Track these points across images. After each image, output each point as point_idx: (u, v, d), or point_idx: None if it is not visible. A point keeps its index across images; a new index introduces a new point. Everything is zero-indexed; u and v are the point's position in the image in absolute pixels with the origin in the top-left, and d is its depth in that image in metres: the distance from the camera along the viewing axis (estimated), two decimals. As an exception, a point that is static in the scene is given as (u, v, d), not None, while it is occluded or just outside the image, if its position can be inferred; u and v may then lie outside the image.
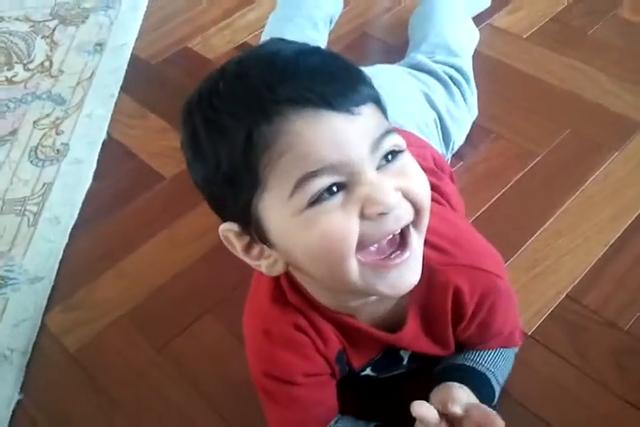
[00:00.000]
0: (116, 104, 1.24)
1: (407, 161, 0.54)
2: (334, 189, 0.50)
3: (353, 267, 0.52)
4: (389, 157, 0.52)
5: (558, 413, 0.78)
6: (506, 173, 1.04)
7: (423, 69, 1.04)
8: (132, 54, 1.35)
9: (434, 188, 0.78)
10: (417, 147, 0.85)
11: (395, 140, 0.52)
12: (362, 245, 0.51)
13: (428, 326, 0.68)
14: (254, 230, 0.54)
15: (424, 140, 0.91)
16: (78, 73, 1.30)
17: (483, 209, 1.00)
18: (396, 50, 1.27)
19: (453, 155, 1.05)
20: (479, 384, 0.69)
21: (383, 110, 0.54)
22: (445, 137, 0.98)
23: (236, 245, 0.56)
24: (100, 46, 1.36)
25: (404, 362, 0.74)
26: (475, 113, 1.08)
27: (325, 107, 0.48)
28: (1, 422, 0.82)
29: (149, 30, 1.41)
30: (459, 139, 1.03)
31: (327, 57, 0.53)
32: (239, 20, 1.38)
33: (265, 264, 0.57)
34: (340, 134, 0.49)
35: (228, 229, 0.56)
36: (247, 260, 0.58)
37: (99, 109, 1.22)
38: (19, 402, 0.85)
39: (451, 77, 1.04)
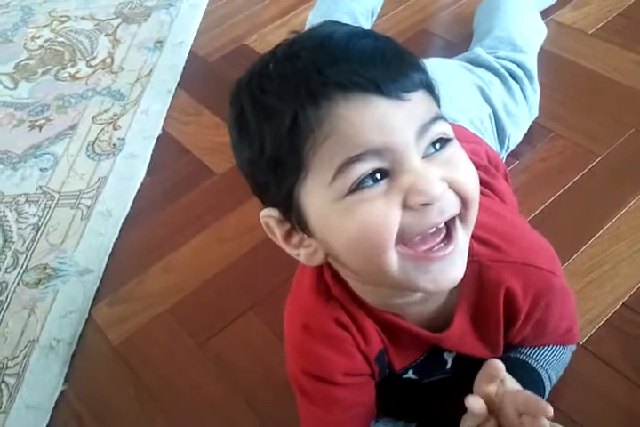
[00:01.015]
0: (172, 100, 1.26)
1: (455, 151, 0.51)
2: (378, 176, 0.48)
3: (393, 259, 0.50)
4: (437, 145, 0.50)
5: (603, 423, 0.74)
6: (564, 173, 1.00)
7: (482, 64, 1.01)
8: (190, 51, 1.37)
9: (486, 184, 0.76)
10: (470, 143, 0.82)
11: (443, 128, 0.50)
12: (403, 237, 0.50)
13: (478, 325, 0.65)
14: (295, 217, 0.53)
15: (478, 136, 0.88)
16: (138, 69, 1.33)
17: (538, 210, 0.96)
18: (454, 47, 1.24)
19: (509, 154, 1.01)
20: (528, 379, 0.66)
21: (435, 97, 0.53)
22: (500, 134, 0.95)
23: (277, 232, 0.55)
24: (160, 43, 1.38)
25: (448, 366, 0.71)
26: (535, 112, 1.04)
27: (373, 91, 0.47)
28: (44, 411, 0.84)
29: (208, 28, 1.42)
30: (515, 137, 1.00)
31: (380, 41, 0.51)
32: (295, 18, 1.38)
33: (304, 253, 0.56)
34: (387, 119, 0.47)
35: (269, 216, 0.55)
36: (286, 248, 0.57)
37: (155, 105, 1.24)
38: (62, 392, 0.87)
39: (511, 73, 1.00)
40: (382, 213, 0.48)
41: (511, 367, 0.64)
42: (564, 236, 0.91)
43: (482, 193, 0.73)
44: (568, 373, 0.76)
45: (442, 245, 0.51)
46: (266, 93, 0.49)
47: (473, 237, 0.59)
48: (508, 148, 0.98)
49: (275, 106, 0.48)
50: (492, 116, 0.94)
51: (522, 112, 1.00)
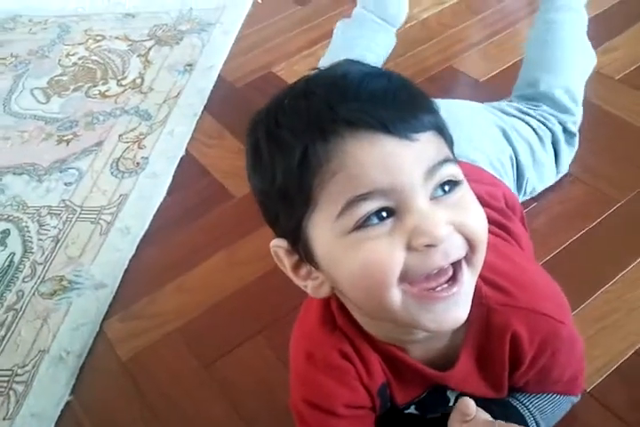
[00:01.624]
0: (197, 123, 1.29)
1: (464, 193, 0.52)
2: (384, 214, 0.49)
3: (395, 297, 0.51)
4: (446, 187, 0.51)
5: None
6: (582, 217, 1.00)
7: (512, 115, 1.00)
8: (219, 76, 1.40)
9: (502, 227, 0.77)
10: (488, 184, 0.83)
11: (452, 170, 0.51)
12: (407, 277, 0.50)
13: (483, 367, 0.65)
14: (302, 249, 0.54)
15: (496, 177, 0.88)
16: (166, 91, 1.36)
17: (554, 253, 0.96)
18: (480, 85, 1.27)
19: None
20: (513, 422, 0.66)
21: (447, 140, 0.54)
22: (520, 177, 0.95)
23: (286, 262, 0.56)
24: (189, 67, 1.41)
25: (451, 403, 0.71)
26: (564, 170, 1.04)
27: (381, 130, 0.48)
28: (49, 420, 0.85)
29: (238, 54, 1.46)
30: (534, 183, 0.99)
31: (394, 81, 0.52)
32: (322, 49, 1.40)
33: (311, 285, 0.57)
34: (393, 159, 0.48)
35: (278, 246, 0.56)
36: (295, 279, 0.57)
37: (181, 127, 1.27)
38: (68, 403, 0.88)
39: (545, 124, 1.00)
40: (386, 253, 0.49)
41: (499, 410, 0.66)
42: (578, 280, 0.90)
43: (498, 236, 0.74)
44: (572, 420, 0.76)
45: (446, 285, 0.51)
46: (280, 127, 0.50)
47: (483, 279, 0.60)
48: (525, 192, 0.98)
49: (287, 139, 0.50)
50: (514, 158, 0.94)
51: (548, 164, 1.00)
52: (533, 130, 0.98)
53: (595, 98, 1.17)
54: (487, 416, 0.62)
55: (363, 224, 0.49)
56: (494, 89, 1.16)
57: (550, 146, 1.00)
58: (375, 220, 0.49)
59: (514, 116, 0.99)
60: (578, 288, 0.89)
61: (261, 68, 1.40)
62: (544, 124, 0.99)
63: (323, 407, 0.64)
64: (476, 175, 0.84)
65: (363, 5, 1.15)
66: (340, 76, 0.51)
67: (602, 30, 1.33)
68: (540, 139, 0.98)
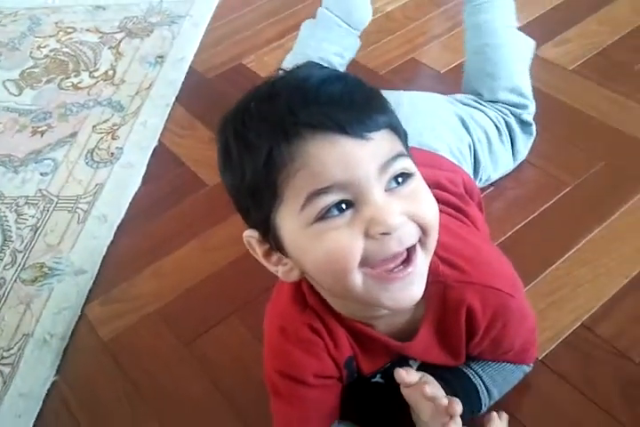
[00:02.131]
0: (169, 114, 1.32)
1: (417, 185, 0.57)
2: (343, 206, 0.54)
3: (356, 280, 0.56)
4: (399, 179, 0.56)
5: None
6: (536, 200, 1.07)
7: (471, 106, 1.06)
8: (189, 68, 1.43)
9: (460, 210, 0.83)
10: (448, 171, 0.89)
11: (404, 164, 0.56)
12: (367, 262, 0.55)
13: (442, 338, 0.71)
14: (272, 239, 0.59)
15: (456, 164, 0.94)
16: (138, 83, 1.39)
17: (509, 233, 1.02)
18: (441, 76, 1.32)
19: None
20: (461, 390, 0.74)
21: (400, 136, 0.59)
22: (476, 164, 1.01)
23: (258, 250, 0.62)
24: (160, 59, 1.45)
25: None
26: (521, 158, 1.10)
27: (339, 131, 0.53)
28: (36, 398, 0.90)
29: (208, 46, 1.49)
30: (489, 171, 1.04)
31: (351, 85, 0.57)
32: (290, 41, 1.43)
33: (282, 270, 0.62)
34: (350, 156, 0.53)
35: (250, 236, 0.61)
36: (267, 265, 0.63)
37: (153, 118, 1.31)
38: (54, 383, 0.92)
39: (503, 116, 1.05)
40: (346, 241, 0.54)
41: (452, 378, 0.74)
42: (531, 258, 0.97)
43: (456, 218, 0.80)
44: (526, 385, 0.83)
45: (401, 267, 0.57)
46: (247, 129, 0.55)
47: (440, 258, 0.66)
48: (481, 179, 1.03)
49: (253, 141, 0.54)
50: (472, 147, 0.99)
51: (504, 153, 1.05)
52: (490, 119, 1.04)
53: (548, 88, 1.24)
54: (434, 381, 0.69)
55: (324, 216, 0.54)
56: (455, 80, 1.21)
57: (507, 135, 1.05)
58: (335, 211, 0.54)
59: (472, 106, 1.05)
60: (530, 266, 0.96)
61: (231, 60, 1.44)
62: (500, 115, 1.05)
63: (294, 377, 0.70)
64: (437, 163, 0.90)
65: (326, 6, 1.18)
66: (302, 80, 0.55)
67: (556, 22, 1.40)
68: (497, 128, 1.04)
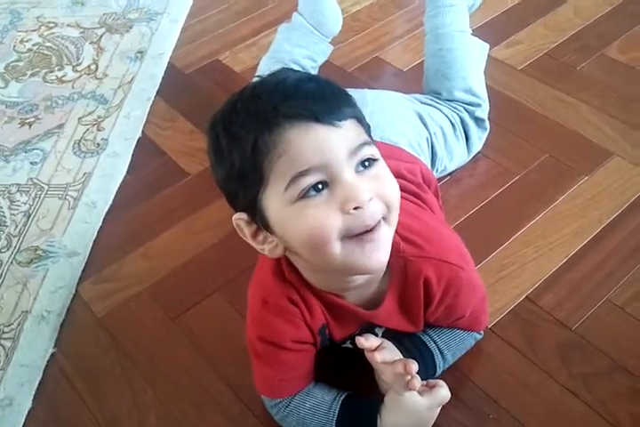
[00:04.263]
0: (151, 107, 1.40)
1: (381, 168, 0.67)
2: (320, 186, 0.62)
3: (335, 249, 0.64)
4: (366, 163, 0.65)
5: (506, 393, 0.90)
6: (487, 188, 1.17)
7: (429, 104, 1.16)
8: (168, 63, 1.50)
9: (418, 196, 0.92)
10: (408, 162, 0.98)
11: (371, 151, 0.65)
12: (346, 234, 0.64)
13: (403, 306, 0.81)
14: (259, 219, 0.68)
15: (415, 156, 1.03)
16: (120, 77, 1.46)
17: (462, 218, 1.12)
18: (404, 73, 1.42)
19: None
20: (419, 355, 0.84)
21: (365, 127, 0.68)
22: (433, 156, 1.10)
23: (246, 231, 0.70)
24: (140, 54, 1.51)
25: (379, 337, 0.86)
26: (476, 150, 1.19)
27: (314, 120, 0.61)
28: (37, 368, 0.97)
29: (186, 42, 1.57)
30: (445, 162, 1.14)
31: (322, 84, 0.67)
32: (264, 38, 1.53)
33: (268, 248, 0.71)
34: (323, 141, 0.62)
35: (239, 218, 0.70)
36: (254, 244, 0.71)
37: (136, 111, 1.38)
38: (52, 354, 1.00)
39: (458, 113, 1.15)
40: (323, 217, 0.62)
41: (409, 343, 0.85)
42: (482, 240, 1.07)
43: (414, 203, 0.90)
44: (478, 351, 0.94)
45: (370, 232, 0.66)
46: (234, 124, 0.64)
47: (401, 237, 0.76)
48: (437, 169, 1.13)
49: (240, 134, 0.63)
50: (429, 140, 1.09)
51: (459, 146, 1.15)
52: (446, 116, 1.14)
53: (499, 86, 1.35)
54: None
55: (304, 195, 0.62)
56: (416, 78, 1.31)
57: (461, 130, 1.16)
58: (313, 192, 0.62)
59: (429, 105, 1.15)
60: (482, 246, 1.06)
61: (208, 56, 1.52)
62: (454, 112, 1.15)
63: (274, 342, 0.79)
64: (397, 155, 1.00)
65: (300, 13, 1.26)
66: (280, 82, 0.65)
67: (508, 24, 1.52)
68: (452, 124, 1.14)
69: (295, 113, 0.62)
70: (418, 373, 0.76)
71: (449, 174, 1.19)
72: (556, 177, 1.18)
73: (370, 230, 0.65)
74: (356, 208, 0.62)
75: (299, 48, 1.23)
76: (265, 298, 0.79)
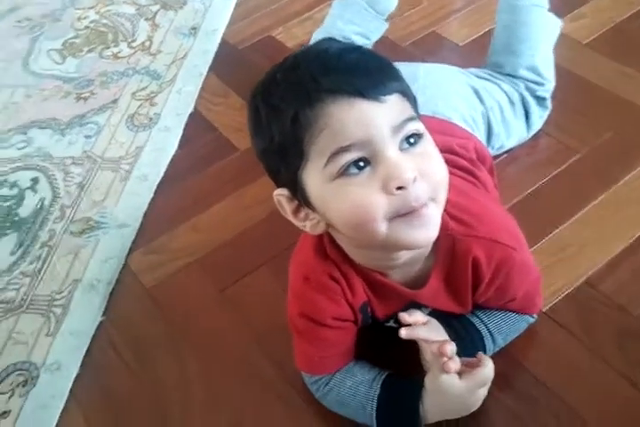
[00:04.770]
0: (203, 82, 1.40)
1: (427, 145, 0.64)
2: (361, 164, 0.60)
3: (381, 228, 0.61)
4: (412, 140, 0.62)
5: (558, 379, 0.86)
6: (547, 166, 1.12)
7: (486, 78, 1.11)
8: (221, 39, 1.50)
9: (471, 173, 0.89)
10: (460, 138, 0.95)
11: (416, 126, 0.62)
12: (393, 215, 0.61)
13: (450, 286, 0.78)
14: (300, 195, 0.65)
15: (469, 132, 1.00)
16: (174, 53, 1.47)
17: (521, 197, 1.08)
18: (461, 49, 1.38)
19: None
20: (467, 335, 0.82)
21: (410, 101, 0.65)
22: (489, 132, 1.06)
23: (287, 208, 0.68)
24: (194, 30, 1.52)
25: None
26: (536, 128, 1.14)
27: (356, 95, 0.59)
28: (86, 336, 0.99)
29: (239, 18, 1.56)
30: (503, 138, 1.09)
31: (366, 55, 0.64)
32: (318, 13, 1.51)
33: (309, 225, 0.69)
34: (366, 117, 0.59)
35: (280, 194, 0.68)
36: (295, 221, 0.69)
37: (188, 86, 1.38)
38: (101, 323, 1.01)
39: (518, 90, 1.11)
40: (364, 196, 0.60)
41: (458, 324, 0.82)
42: (539, 220, 1.03)
43: (466, 179, 0.87)
44: (531, 334, 0.90)
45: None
46: (274, 96, 0.61)
47: (449, 215, 0.73)
48: (493, 147, 1.09)
49: (280, 106, 0.60)
50: (486, 115, 1.05)
51: (517, 123, 1.11)
52: (504, 92, 1.09)
53: (562, 60, 1.27)
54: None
55: (344, 172, 0.60)
56: (473, 53, 1.27)
57: (520, 107, 1.11)
58: (354, 169, 0.60)
59: (486, 79, 1.11)
60: (539, 226, 1.02)
61: (261, 32, 1.51)
62: (514, 88, 1.11)
63: (315, 319, 0.77)
64: (450, 130, 0.97)
65: None
66: (322, 51, 0.62)
67: (570, -1, 1.45)
68: (510, 100, 1.09)
69: (338, 87, 0.59)
70: (462, 354, 0.73)
71: (506, 152, 1.15)
72: (620, 156, 1.12)
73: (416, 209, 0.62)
74: (399, 188, 0.60)
75: (351, 25, 1.20)
76: (306, 274, 0.77)
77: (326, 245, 0.75)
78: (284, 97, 0.60)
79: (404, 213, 0.62)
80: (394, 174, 0.59)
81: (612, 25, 1.37)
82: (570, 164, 1.13)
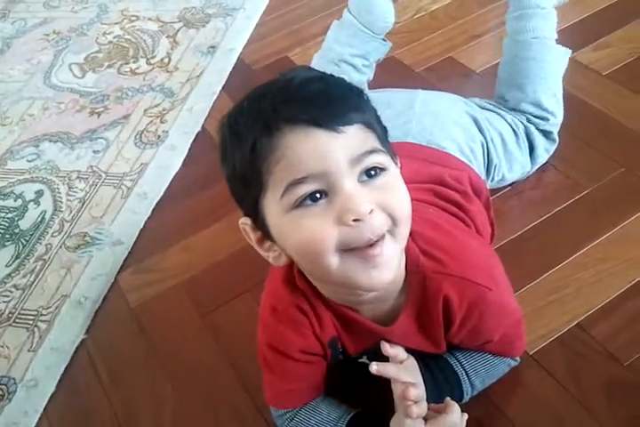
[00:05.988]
0: (215, 101, 1.40)
1: (390, 178, 0.61)
2: (317, 195, 0.59)
3: (332, 261, 0.60)
4: (372, 173, 0.60)
5: None
6: (552, 201, 1.09)
7: (489, 109, 1.09)
8: (238, 58, 1.51)
9: (460, 207, 0.86)
10: (454, 169, 0.92)
11: (378, 159, 0.60)
12: (344, 247, 0.60)
13: (421, 325, 0.75)
14: (261, 225, 0.64)
15: (464, 163, 0.97)
16: (190, 71, 1.48)
17: (520, 232, 1.05)
18: (476, 75, 1.35)
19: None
20: (443, 379, 0.79)
21: (377, 133, 0.63)
22: (489, 163, 1.03)
23: (252, 237, 0.67)
24: (212, 49, 1.53)
25: None
26: (540, 162, 1.11)
27: (313, 125, 0.58)
28: (65, 353, 1.00)
29: (258, 38, 1.57)
30: (504, 170, 1.06)
31: (330, 85, 0.62)
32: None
33: (272, 256, 0.68)
34: (323, 148, 0.58)
35: (245, 223, 0.67)
36: (259, 251, 0.68)
37: (200, 104, 1.39)
38: (83, 340, 1.02)
39: (523, 123, 1.08)
40: (319, 228, 0.59)
41: (435, 366, 0.79)
42: (536, 258, 1.00)
43: (454, 214, 0.84)
44: (513, 378, 0.86)
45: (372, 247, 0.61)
46: (237, 124, 0.61)
47: (421, 250, 0.71)
48: (493, 178, 1.05)
49: (242, 134, 0.60)
50: (485, 144, 1.02)
51: (520, 155, 1.07)
52: (508, 123, 1.06)
53: (578, 91, 1.25)
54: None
55: (300, 204, 0.59)
56: (488, 80, 1.23)
57: (524, 139, 1.07)
58: (309, 201, 0.59)
59: (489, 110, 1.08)
60: (535, 265, 0.99)
61: (278, 53, 1.51)
62: (518, 120, 1.07)
63: (282, 351, 0.76)
64: (444, 161, 0.94)
65: (350, 10, 1.21)
66: (287, 81, 0.61)
67: (597, 27, 1.40)
68: (514, 131, 1.06)
69: (294, 117, 0.58)
70: (437, 397, 0.72)
71: (510, 184, 1.12)
72: (629, 194, 1.08)
73: (371, 245, 0.60)
74: (355, 220, 0.58)
75: (348, 48, 1.19)
76: (274, 305, 0.76)
77: (296, 276, 0.73)
78: (247, 125, 0.60)
79: (358, 249, 0.60)
80: (349, 206, 0.58)
81: (636, 56, 1.32)
82: (576, 200, 1.09)
